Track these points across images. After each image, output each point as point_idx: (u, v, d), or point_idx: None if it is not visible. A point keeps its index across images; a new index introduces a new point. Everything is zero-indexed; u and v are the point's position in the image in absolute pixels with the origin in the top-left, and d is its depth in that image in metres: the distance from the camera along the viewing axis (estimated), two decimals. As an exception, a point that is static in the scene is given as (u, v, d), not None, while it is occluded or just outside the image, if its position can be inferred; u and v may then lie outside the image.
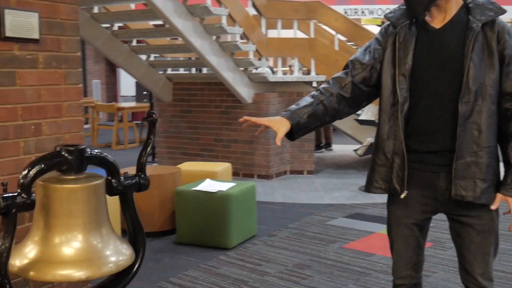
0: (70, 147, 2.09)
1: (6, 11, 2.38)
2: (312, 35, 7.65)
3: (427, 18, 2.16)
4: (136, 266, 2.34)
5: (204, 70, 8.24)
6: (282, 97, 7.39)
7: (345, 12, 10.99)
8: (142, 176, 2.34)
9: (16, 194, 1.96)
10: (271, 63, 10.86)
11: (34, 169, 2.00)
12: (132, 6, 7.03)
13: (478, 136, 2.08)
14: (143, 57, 7.55)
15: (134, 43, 7.35)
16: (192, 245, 4.52)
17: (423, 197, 2.20)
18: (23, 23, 2.45)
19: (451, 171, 2.11)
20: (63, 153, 2.07)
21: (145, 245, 2.36)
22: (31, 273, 1.99)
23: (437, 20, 2.15)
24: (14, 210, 1.95)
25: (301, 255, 4.27)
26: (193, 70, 8.46)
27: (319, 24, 7.94)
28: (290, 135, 2.24)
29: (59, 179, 2.08)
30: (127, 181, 2.29)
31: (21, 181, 1.98)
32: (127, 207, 2.31)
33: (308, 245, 4.52)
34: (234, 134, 7.39)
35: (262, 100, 7.17)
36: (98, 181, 2.12)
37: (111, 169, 2.23)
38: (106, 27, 6.92)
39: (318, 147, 9.43)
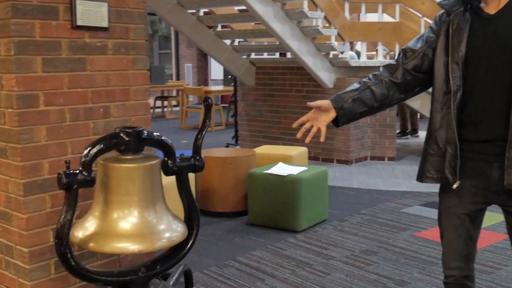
0: (128, 129, 2.23)
1: (78, 2, 2.56)
2: (398, 19, 7.48)
3: (482, 4, 2.10)
4: (190, 242, 2.46)
5: (288, 55, 8.29)
6: (364, 82, 7.30)
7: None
8: (197, 158, 2.45)
9: (78, 171, 2.13)
10: (358, 47, 10.72)
11: (95, 148, 2.16)
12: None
13: None
14: (227, 42, 7.71)
15: (219, 28, 7.53)
16: (263, 227, 4.63)
17: (475, 187, 2.16)
18: (94, 12, 2.63)
19: (504, 161, 2.06)
20: (121, 134, 2.21)
21: (199, 223, 2.48)
22: (91, 244, 2.17)
23: (491, 6, 2.08)
24: (75, 186, 2.12)
25: (370, 241, 4.26)
26: (277, 55, 8.53)
27: (406, 7, 7.75)
28: (336, 121, 2.25)
29: (117, 159, 2.23)
30: (183, 163, 2.41)
31: (83, 159, 2.15)
32: (183, 187, 2.44)
33: (378, 231, 4.50)
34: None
35: (344, 85, 7.12)
36: (153, 162, 2.26)
37: (168, 150, 2.36)
38: (192, 13, 7.13)
39: (403, 133, 9.25)
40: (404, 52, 2.25)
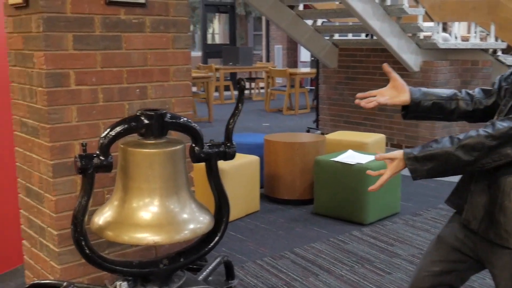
0: (150, 111, 2.08)
1: (113, -24, 2.43)
2: (496, -3, 6.87)
3: None
4: (218, 236, 2.28)
5: (375, 36, 7.87)
6: (454, 66, 6.79)
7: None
8: (228, 145, 2.27)
9: (94, 155, 2.01)
10: (456, 29, 10.03)
11: (113, 131, 2.03)
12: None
13: None
14: (309, 22, 7.42)
15: (300, 8, 7.26)
16: (328, 217, 4.38)
17: None
18: (130, -13, 2.49)
19: None
20: (142, 117, 2.07)
21: (228, 215, 2.30)
22: (109, 233, 2.04)
23: None
24: (91, 171, 2.00)
25: (442, 239, 3.90)
26: (362, 36, 8.13)
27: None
28: (405, 112, 2.01)
29: (138, 143, 2.09)
30: (211, 149, 2.23)
31: (100, 142, 2.03)
32: (212, 175, 2.26)
33: (453, 228, 4.12)
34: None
35: (431, 69, 6.65)
36: (176, 147, 2.10)
37: (194, 135, 2.19)
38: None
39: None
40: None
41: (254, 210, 4.53)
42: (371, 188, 1.84)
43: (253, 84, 13.05)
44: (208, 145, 2.23)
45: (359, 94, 2.05)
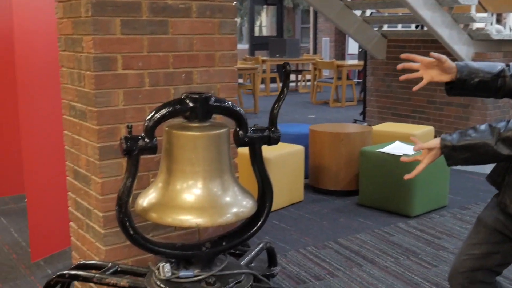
0: (195, 94, 2.08)
1: (161, -39, 2.44)
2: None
3: None
4: (261, 220, 2.27)
5: (425, 27, 7.71)
6: (508, 58, 6.58)
7: None
8: (273, 129, 2.25)
9: (139, 137, 2.03)
10: (510, 20, 9.74)
11: (158, 114, 2.05)
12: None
13: None
14: (357, 12, 7.32)
15: (349, -2, 7.18)
16: (373, 209, 4.32)
17: None
18: (178, -28, 2.50)
19: None
20: (186, 100, 2.07)
21: (272, 200, 2.28)
22: (153, 215, 2.06)
23: None
24: (136, 152, 2.02)
25: (491, 233, 3.79)
26: (412, 27, 7.97)
27: None
28: (450, 87, 1.96)
29: (183, 126, 2.10)
30: (255, 134, 2.22)
31: (145, 124, 2.05)
32: (256, 160, 2.25)
33: (503, 223, 4.00)
34: (448, 96, 6.82)
35: (483, 61, 6.47)
36: (220, 130, 2.10)
37: (239, 119, 2.19)
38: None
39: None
40: None
41: (298, 200, 4.51)
42: (407, 176, 1.81)
43: (299, 76, 12.99)
44: (253, 130, 2.23)
45: (403, 55, 1.97)
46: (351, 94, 10.65)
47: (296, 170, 4.42)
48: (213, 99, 2.11)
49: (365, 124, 7.79)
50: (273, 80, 12.29)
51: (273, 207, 4.21)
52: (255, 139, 2.22)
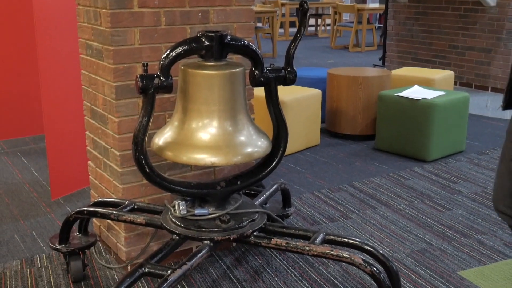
0: (211, 33, 2.07)
1: None
2: None
3: None
4: (276, 161, 2.29)
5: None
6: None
7: None
8: (289, 69, 2.24)
9: (155, 75, 2.03)
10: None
11: (173, 52, 2.04)
12: None
13: None
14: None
15: None
16: (390, 153, 4.32)
17: None
18: None
19: None
20: (202, 39, 2.06)
21: (286, 141, 2.29)
22: (168, 153, 2.08)
23: None
24: (151, 91, 2.02)
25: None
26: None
27: None
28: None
29: (198, 65, 2.09)
30: (271, 74, 2.21)
31: (160, 63, 2.04)
32: (271, 100, 2.25)
33: (521, 169, 3.97)
34: (470, 40, 6.69)
35: (509, 3, 6.29)
36: (235, 69, 2.09)
37: (255, 58, 2.17)
38: None
39: None
40: None
41: (314, 144, 4.51)
42: None
43: (319, 21, 12.77)
44: (268, 69, 2.21)
45: None
46: (371, 39, 10.48)
47: (313, 115, 4.41)
48: (228, 37, 2.09)
49: (384, 68, 7.70)
50: (292, 24, 12.11)
51: (289, 151, 4.24)
52: (271, 79, 2.21)
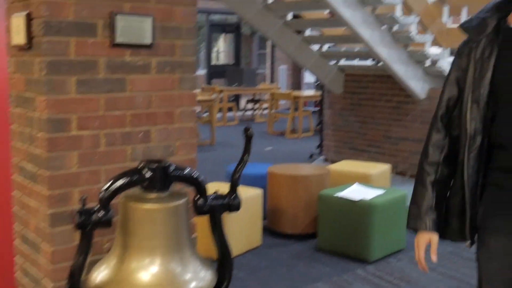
0: (153, 163, 2.00)
1: (118, 17, 2.37)
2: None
3: None
4: (221, 291, 2.19)
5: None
6: (461, 94, 6.72)
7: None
8: (233, 196, 2.19)
9: (93, 210, 1.93)
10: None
11: (114, 185, 1.95)
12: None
13: None
14: (316, 47, 7.38)
15: (307, 33, 7.22)
16: (332, 253, 4.29)
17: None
18: (136, 28, 2.42)
19: None
20: (144, 170, 1.99)
21: (231, 271, 2.21)
22: (106, 292, 1.96)
23: None
24: (89, 227, 1.92)
25: (449, 280, 3.80)
26: (368, 61, 8.07)
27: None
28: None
29: (140, 197, 2.01)
30: (215, 202, 2.15)
31: (100, 196, 1.95)
32: (215, 228, 2.18)
33: (461, 268, 4.02)
34: (403, 131, 6.92)
35: (438, 96, 6.56)
36: (179, 201, 2.02)
37: (198, 188, 2.12)
38: (280, 17, 6.89)
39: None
40: (441, 118, 1.88)
41: (256, 245, 4.43)
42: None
43: (256, 105, 12.99)
44: (212, 198, 2.15)
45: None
46: (308, 124, 10.70)
47: (254, 215, 4.36)
48: (172, 167, 2.03)
49: (322, 157, 7.84)
50: (230, 109, 12.26)
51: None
52: (215, 207, 2.15)
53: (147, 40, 2.47)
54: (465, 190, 1.78)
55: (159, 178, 2.00)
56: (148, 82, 2.50)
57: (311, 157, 8.03)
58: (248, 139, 2.21)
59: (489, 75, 1.71)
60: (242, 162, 2.19)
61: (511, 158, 1.71)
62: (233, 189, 2.20)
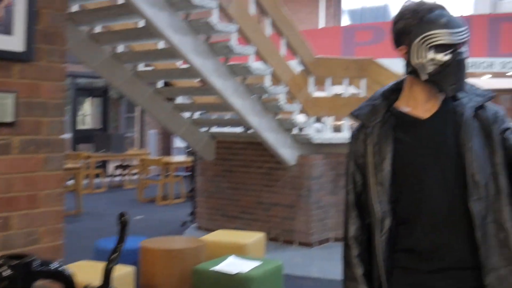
0: (14, 260, 1.78)
1: (-24, 94, 2.15)
2: (365, 93, 7.25)
3: (405, 108, 1.79)
4: None
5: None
6: (328, 159, 6.99)
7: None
8: (107, 289, 2.00)
9: None
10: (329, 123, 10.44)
11: (-34, 287, 1.70)
12: (178, 64, 6.88)
13: (505, 237, 1.68)
14: (187, 114, 7.36)
15: (179, 100, 7.20)
16: (210, 331, 4.13)
17: None
18: (-4, 105, 2.22)
19: None
20: (2, 268, 1.76)
21: None
22: None
23: (422, 109, 1.77)
24: None
25: None
26: (239, 129, 8.19)
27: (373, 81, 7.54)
28: None
29: (-2, 299, 1.77)
30: (87, 296, 1.96)
31: None
32: (87, 326, 1.97)
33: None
34: (275, 197, 7.01)
35: (306, 163, 6.79)
36: (45, 301, 1.80)
37: (66, 283, 1.91)
38: (150, 84, 6.82)
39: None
40: (353, 206, 1.88)
41: (129, 327, 4.15)
42: None
43: (125, 171, 12.64)
44: (83, 292, 1.96)
45: None
46: (179, 190, 10.53)
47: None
48: (36, 263, 1.82)
49: (194, 224, 7.70)
50: (97, 175, 11.80)
51: None
52: (87, 303, 1.96)
53: (9, 118, 2.26)
54: (381, 275, 1.76)
55: (20, 276, 1.78)
56: (8, 164, 2.27)
57: (183, 225, 7.86)
58: (123, 226, 2.05)
59: (389, 157, 1.75)
60: (116, 251, 2.03)
61: (414, 239, 1.72)
62: (106, 280, 2.02)
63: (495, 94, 1.82)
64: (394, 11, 22.00)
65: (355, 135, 1.86)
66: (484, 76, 13.01)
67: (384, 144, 1.76)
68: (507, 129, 1.75)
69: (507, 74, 13.62)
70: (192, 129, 7.39)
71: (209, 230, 6.54)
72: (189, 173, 10.48)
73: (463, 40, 1.72)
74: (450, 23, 1.71)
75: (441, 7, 1.75)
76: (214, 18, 5.37)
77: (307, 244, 6.73)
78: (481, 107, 1.76)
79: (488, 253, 1.67)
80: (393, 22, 1.81)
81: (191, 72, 5.99)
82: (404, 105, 1.80)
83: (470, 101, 1.76)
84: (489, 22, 13.36)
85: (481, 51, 11.90)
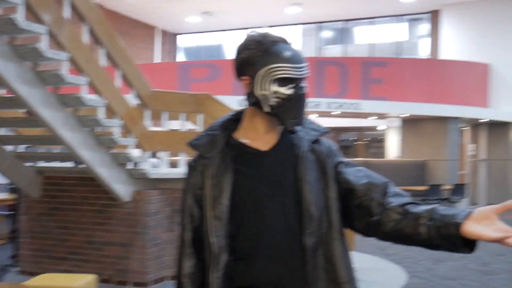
0: None
1: None
2: (202, 129, 7.23)
3: (246, 140, 1.76)
4: None
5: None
6: (165, 195, 6.81)
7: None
8: None
9: None
10: (165, 158, 10.27)
11: None
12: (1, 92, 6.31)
13: (333, 271, 1.69)
14: (10, 147, 6.76)
15: (1, 132, 6.58)
16: None
17: None
18: None
19: None
20: None
21: None
22: None
23: (262, 142, 1.76)
24: None
25: None
26: (70, 163, 7.70)
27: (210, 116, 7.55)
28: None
29: None
30: None
31: None
32: None
33: None
34: (108, 235, 6.65)
35: (142, 198, 6.55)
36: None
37: None
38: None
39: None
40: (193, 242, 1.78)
41: None
42: None
43: None
44: None
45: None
46: (0, 231, 9.60)
47: None
48: None
49: (17, 268, 7.04)
50: None
51: None
52: None
53: None
54: None
55: None
56: None
57: (3, 270, 7.13)
58: None
59: (228, 190, 1.68)
60: None
61: (253, 275, 1.65)
62: None
63: (329, 130, 1.86)
64: (228, 51, 22.69)
65: (193, 166, 1.78)
66: (312, 115, 13.82)
67: (223, 176, 1.70)
68: (340, 162, 1.77)
69: (332, 113, 14.61)
70: (16, 164, 6.79)
71: (34, 274, 5.97)
72: (11, 212, 9.61)
73: (304, 75, 1.73)
74: (293, 58, 1.71)
75: (284, 41, 1.74)
76: (43, 44, 5.01)
77: (142, 284, 6.44)
78: (316, 141, 1.78)
79: (317, 286, 1.67)
80: (237, 52, 1.76)
81: (16, 101, 5.51)
82: (243, 136, 1.76)
83: (306, 135, 1.77)
84: (316, 64, 14.28)
85: (309, 91, 12.61)
